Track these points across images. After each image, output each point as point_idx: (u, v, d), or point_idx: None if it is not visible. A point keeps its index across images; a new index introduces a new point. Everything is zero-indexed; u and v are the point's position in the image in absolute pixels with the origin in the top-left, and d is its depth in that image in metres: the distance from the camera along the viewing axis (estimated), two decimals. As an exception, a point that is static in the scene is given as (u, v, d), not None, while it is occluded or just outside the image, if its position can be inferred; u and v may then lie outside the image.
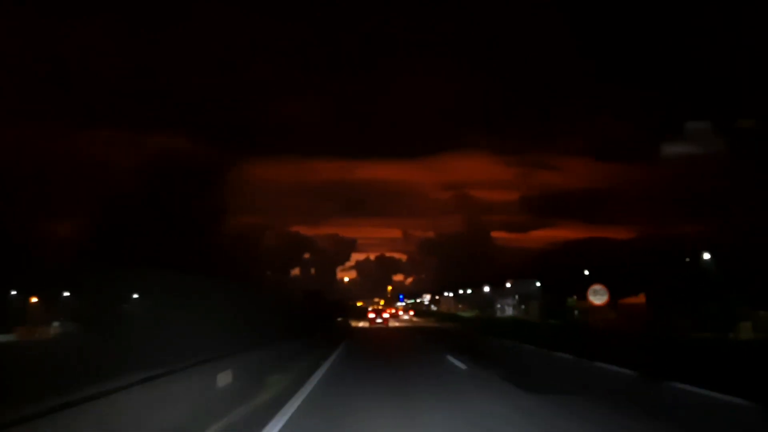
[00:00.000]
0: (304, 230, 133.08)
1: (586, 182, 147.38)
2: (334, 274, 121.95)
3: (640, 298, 33.94)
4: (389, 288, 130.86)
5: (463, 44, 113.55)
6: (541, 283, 54.08)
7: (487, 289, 67.63)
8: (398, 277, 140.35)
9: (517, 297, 55.74)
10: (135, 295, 12.95)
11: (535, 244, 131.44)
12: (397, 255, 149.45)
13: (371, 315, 65.82)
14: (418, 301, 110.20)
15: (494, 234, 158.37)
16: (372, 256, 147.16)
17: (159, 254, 27.38)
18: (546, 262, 68.50)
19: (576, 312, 37.55)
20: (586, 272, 41.29)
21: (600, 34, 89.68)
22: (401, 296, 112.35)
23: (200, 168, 60.56)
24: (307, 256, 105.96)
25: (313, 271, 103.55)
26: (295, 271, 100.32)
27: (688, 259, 37.71)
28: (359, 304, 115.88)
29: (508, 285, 57.76)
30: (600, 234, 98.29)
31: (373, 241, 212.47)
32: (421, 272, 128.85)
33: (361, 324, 59.66)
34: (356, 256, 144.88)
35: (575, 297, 42.46)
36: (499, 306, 60.08)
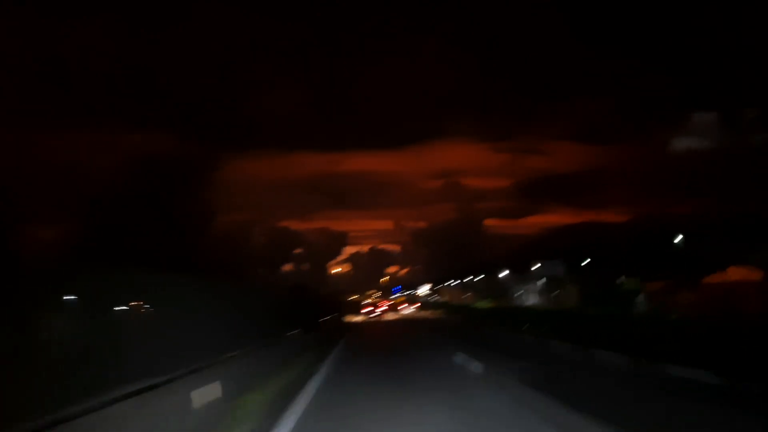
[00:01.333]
0: (294, 225, 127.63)
1: (575, 166, 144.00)
2: (327, 268, 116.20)
3: (730, 274, 25.59)
4: (385, 279, 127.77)
5: (445, 29, 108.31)
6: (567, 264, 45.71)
7: (504, 273, 58.61)
8: (392, 269, 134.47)
9: (544, 280, 47.08)
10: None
11: (528, 230, 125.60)
12: (390, 247, 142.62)
13: (366, 309, 63.69)
14: (419, 292, 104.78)
15: (487, 222, 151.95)
16: (365, 249, 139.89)
17: (143, 254, 26.69)
18: (543, 246, 66.19)
19: (639, 296, 29.18)
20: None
21: (586, 14, 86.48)
22: (395, 288, 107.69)
23: (186, 166, 62.68)
24: (298, 251, 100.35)
25: (304, 266, 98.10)
26: (287, 267, 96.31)
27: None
28: (353, 297, 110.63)
29: (537, 266, 48.44)
30: (593, 218, 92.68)
31: (365, 233, 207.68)
32: (415, 263, 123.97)
33: (356, 319, 56.73)
34: (348, 249, 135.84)
35: (626, 277, 34.23)
36: (520, 293, 51.59)
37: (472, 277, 76.45)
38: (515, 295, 52.74)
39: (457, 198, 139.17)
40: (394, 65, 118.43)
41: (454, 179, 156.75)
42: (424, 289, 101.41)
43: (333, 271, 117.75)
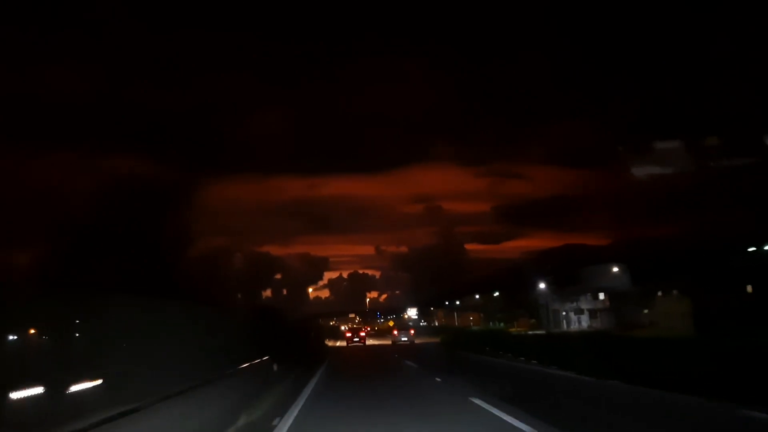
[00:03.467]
0: (274, 250, 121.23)
1: (554, 190, 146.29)
2: (307, 293, 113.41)
3: None
4: (367, 301, 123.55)
5: (427, 54, 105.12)
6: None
7: (542, 286, 43.27)
8: (372, 294, 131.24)
9: (601, 297, 34.91)
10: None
11: (509, 254, 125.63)
12: (370, 272, 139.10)
13: (348, 334, 64.94)
14: (407, 316, 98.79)
15: (468, 246, 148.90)
16: (345, 274, 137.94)
17: (116, 280, 25.27)
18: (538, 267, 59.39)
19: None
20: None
21: (565, 39, 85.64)
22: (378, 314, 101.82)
23: (162, 190, 59.21)
24: (278, 276, 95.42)
25: (285, 291, 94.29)
26: (267, 293, 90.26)
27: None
28: (332, 323, 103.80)
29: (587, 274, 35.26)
30: (574, 241, 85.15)
31: (345, 258, 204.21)
32: (395, 288, 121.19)
33: (338, 344, 57.40)
34: (329, 275, 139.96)
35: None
36: (566, 312, 39.49)
37: (476, 295, 65.71)
38: (564, 315, 39.83)
39: (438, 222, 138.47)
40: (375, 90, 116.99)
41: (435, 204, 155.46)
42: (411, 313, 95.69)
43: (314, 297, 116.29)
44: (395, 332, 57.86)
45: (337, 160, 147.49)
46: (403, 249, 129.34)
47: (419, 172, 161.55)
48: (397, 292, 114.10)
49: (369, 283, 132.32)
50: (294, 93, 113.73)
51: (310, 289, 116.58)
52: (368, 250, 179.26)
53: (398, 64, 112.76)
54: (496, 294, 61.92)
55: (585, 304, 38.42)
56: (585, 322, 36.42)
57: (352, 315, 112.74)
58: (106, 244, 38.64)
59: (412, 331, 56.85)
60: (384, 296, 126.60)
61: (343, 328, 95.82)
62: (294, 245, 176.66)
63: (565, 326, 40.04)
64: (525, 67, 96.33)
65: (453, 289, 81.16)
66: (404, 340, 51.38)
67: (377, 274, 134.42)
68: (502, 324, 55.93)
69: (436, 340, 48.07)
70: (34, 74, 67.96)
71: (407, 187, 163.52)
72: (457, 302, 79.68)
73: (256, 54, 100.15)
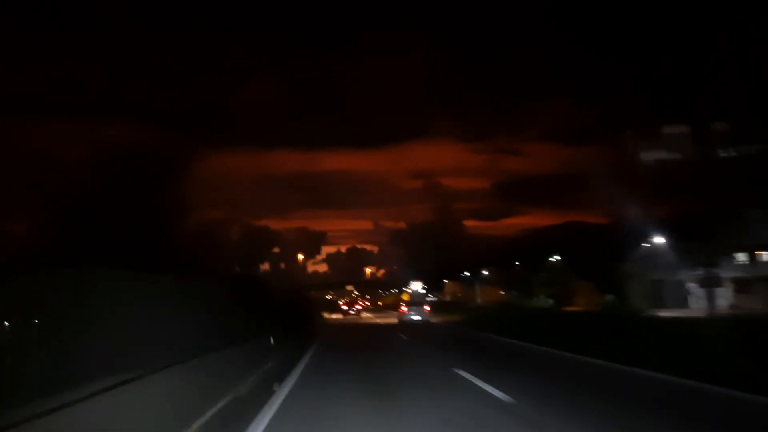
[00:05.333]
0: (273, 224, 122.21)
1: (553, 168, 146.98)
2: (305, 267, 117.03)
3: None
4: (368, 272, 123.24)
5: (427, 28, 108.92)
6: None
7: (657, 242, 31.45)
8: (371, 269, 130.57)
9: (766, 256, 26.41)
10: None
11: (507, 232, 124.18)
12: (368, 246, 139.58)
13: (344, 307, 65.41)
14: (410, 289, 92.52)
15: (466, 222, 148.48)
16: (343, 249, 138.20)
17: (112, 252, 25.25)
18: (530, 246, 62.23)
19: None
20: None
21: (567, 16, 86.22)
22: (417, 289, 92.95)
23: (159, 161, 60.13)
24: (276, 250, 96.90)
25: (283, 265, 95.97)
26: (265, 266, 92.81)
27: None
28: (328, 297, 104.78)
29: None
30: (574, 219, 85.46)
31: (343, 233, 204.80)
32: (393, 263, 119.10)
33: (334, 317, 56.36)
34: (327, 249, 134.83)
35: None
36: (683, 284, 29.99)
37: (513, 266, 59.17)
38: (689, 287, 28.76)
39: (437, 198, 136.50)
40: (376, 64, 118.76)
41: (434, 179, 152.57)
42: (415, 286, 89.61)
43: (311, 271, 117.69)
44: (403, 308, 42.13)
45: (336, 135, 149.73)
46: (402, 224, 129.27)
47: (419, 147, 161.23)
48: (395, 267, 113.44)
49: (367, 258, 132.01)
50: (294, 67, 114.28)
51: (309, 264, 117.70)
52: (366, 225, 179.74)
53: (399, 39, 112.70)
54: (556, 259, 51.98)
55: (728, 272, 28.46)
56: (724, 298, 27.62)
57: (349, 287, 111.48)
58: (100, 214, 38.55)
59: (427, 308, 42.28)
60: (382, 271, 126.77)
61: (339, 302, 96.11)
62: (292, 219, 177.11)
63: (680, 304, 30.02)
64: (527, 43, 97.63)
65: (467, 261, 74.05)
66: (416, 319, 38.05)
67: (375, 249, 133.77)
68: (550, 301, 45.53)
69: (453, 318, 39.49)
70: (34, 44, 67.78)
71: (406, 163, 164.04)
72: (484, 272, 66.88)
73: (258, 27, 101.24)
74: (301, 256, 73.87)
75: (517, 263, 61.01)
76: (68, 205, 40.60)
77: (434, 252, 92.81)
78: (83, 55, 77.71)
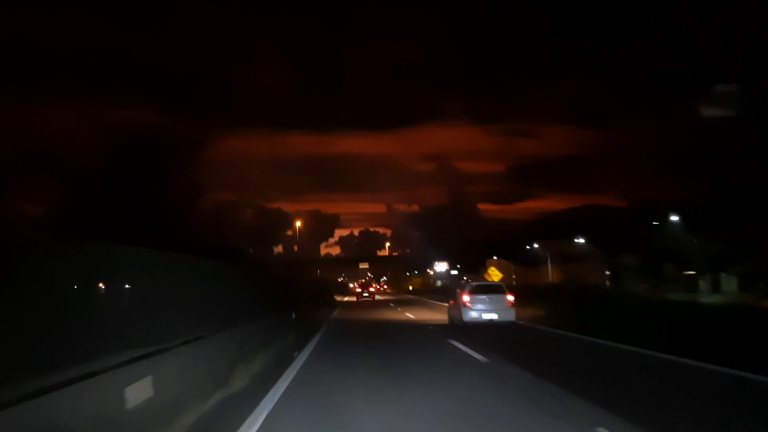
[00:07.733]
0: (286, 207, 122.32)
1: (569, 150, 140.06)
2: (318, 250, 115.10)
3: None
4: (387, 247, 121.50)
5: (439, 7, 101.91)
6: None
7: None
8: (383, 253, 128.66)
9: None
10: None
11: (523, 215, 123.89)
12: (381, 230, 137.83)
13: (358, 289, 67.30)
14: (434, 271, 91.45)
15: (480, 206, 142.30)
16: (356, 232, 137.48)
17: (129, 233, 24.98)
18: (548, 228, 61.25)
19: None
20: None
21: None
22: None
23: (173, 143, 62.14)
24: (290, 232, 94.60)
25: (296, 248, 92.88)
26: (278, 249, 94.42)
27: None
28: (339, 279, 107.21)
29: None
30: (589, 202, 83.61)
31: (356, 216, 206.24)
32: (407, 246, 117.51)
33: (346, 299, 57.41)
34: (339, 232, 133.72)
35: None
36: None
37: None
38: None
39: (451, 181, 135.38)
40: (387, 45, 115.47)
41: (447, 162, 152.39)
42: (440, 267, 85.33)
43: (324, 254, 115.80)
44: (465, 298, 19.57)
45: (348, 117, 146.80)
46: (415, 208, 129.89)
47: (432, 129, 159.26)
48: (408, 250, 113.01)
49: (380, 241, 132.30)
50: (306, 48, 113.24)
51: (322, 247, 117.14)
52: (379, 208, 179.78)
53: (412, 19, 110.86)
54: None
55: None
56: None
57: (363, 265, 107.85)
58: (115, 195, 38.77)
59: (511, 298, 19.76)
60: (395, 254, 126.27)
61: (351, 285, 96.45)
62: (306, 202, 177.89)
63: None
64: (542, 20, 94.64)
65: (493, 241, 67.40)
66: (489, 319, 19.09)
67: (388, 232, 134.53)
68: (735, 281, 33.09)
69: (536, 312, 24.39)
70: (46, 25, 69.18)
71: (419, 145, 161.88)
72: (579, 239, 52.30)
73: (271, 7, 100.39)
74: (298, 223, 74.77)
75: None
76: (83, 187, 40.84)
77: (455, 231, 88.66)
78: (96, 37, 76.82)
